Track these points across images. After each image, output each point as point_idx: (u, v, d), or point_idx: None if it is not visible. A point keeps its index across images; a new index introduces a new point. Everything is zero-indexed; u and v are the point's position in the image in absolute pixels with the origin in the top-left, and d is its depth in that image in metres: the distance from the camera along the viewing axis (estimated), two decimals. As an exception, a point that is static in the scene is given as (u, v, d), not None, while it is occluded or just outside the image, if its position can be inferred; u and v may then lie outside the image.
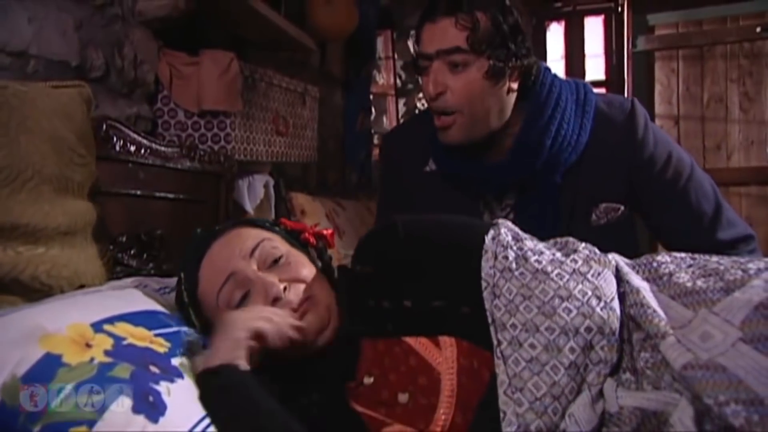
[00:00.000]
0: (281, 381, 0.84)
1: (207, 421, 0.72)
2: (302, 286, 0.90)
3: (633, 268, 0.85)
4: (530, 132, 1.21)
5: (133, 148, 1.29)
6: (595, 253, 0.86)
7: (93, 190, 1.11)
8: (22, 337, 0.68)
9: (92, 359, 0.69)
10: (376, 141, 3.28)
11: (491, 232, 0.90)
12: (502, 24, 1.15)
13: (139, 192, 1.31)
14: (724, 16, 3.55)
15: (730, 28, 3.54)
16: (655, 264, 0.85)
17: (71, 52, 1.32)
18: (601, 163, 1.23)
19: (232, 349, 0.78)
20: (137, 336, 0.77)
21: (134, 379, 0.69)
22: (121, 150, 1.26)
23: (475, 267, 0.85)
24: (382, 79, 3.59)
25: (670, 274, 0.81)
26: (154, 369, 0.73)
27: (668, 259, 0.86)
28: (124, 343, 0.74)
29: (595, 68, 3.85)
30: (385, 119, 3.61)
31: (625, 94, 3.53)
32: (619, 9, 3.64)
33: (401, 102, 3.69)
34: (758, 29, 3.42)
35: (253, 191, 1.91)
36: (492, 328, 0.80)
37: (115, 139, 1.25)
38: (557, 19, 3.92)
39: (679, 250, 0.90)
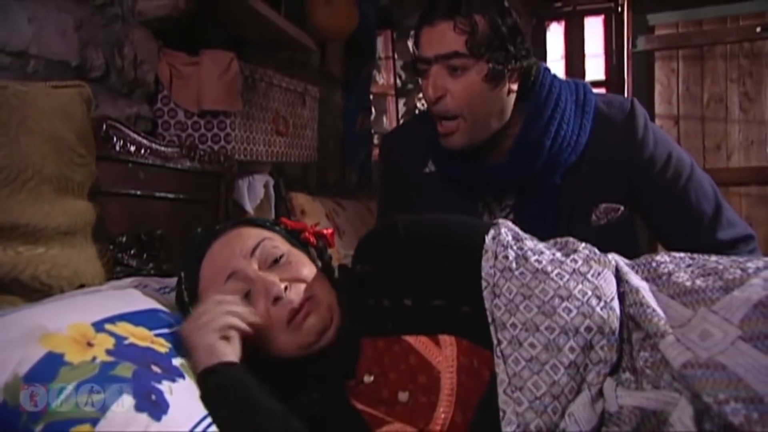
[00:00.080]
0: (281, 380, 0.84)
1: (209, 420, 0.73)
2: (303, 286, 0.90)
3: (632, 267, 0.86)
4: (530, 132, 1.21)
5: (133, 148, 1.29)
6: (595, 253, 0.87)
7: (93, 190, 1.11)
8: (22, 336, 0.68)
9: (94, 358, 0.69)
10: (376, 141, 3.27)
11: (491, 232, 0.90)
12: (501, 26, 1.14)
13: (139, 192, 1.31)
14: (724, 16, 3.55)
15: (730, 28, 3.54)
16: (654, 263, 0.85)
17: (71, 52, 1.32)
18: (601, 164, 1.22)
19: (209, 354, 0.79)
20: (138, 336, 0.77)
21: (136, 378, 0.69)
22: (121, 150, 1.26)
23: (476, 266, 0.86)
24: (382, 79, 3.59)
25: (670, 274, 0.82)
26: (155, 368, 0.73)
27: (667, 258, 0.86)
28: (126, 342, 0.74)
29: (595, 68, 3.85)
30: (385, 119, 3.61)
31: (625, 94, 3.54)
32: (619, 9, 3.64)
33: (401, 102, 3.69)
34: (758, 29, 3.42)
35: (253, 191, 1.91)
36: (492, 328, 0.80)
37: (115, 139, 1.25)
38: (557, 19, 3.92)
39: (679, 250, 0.90)
